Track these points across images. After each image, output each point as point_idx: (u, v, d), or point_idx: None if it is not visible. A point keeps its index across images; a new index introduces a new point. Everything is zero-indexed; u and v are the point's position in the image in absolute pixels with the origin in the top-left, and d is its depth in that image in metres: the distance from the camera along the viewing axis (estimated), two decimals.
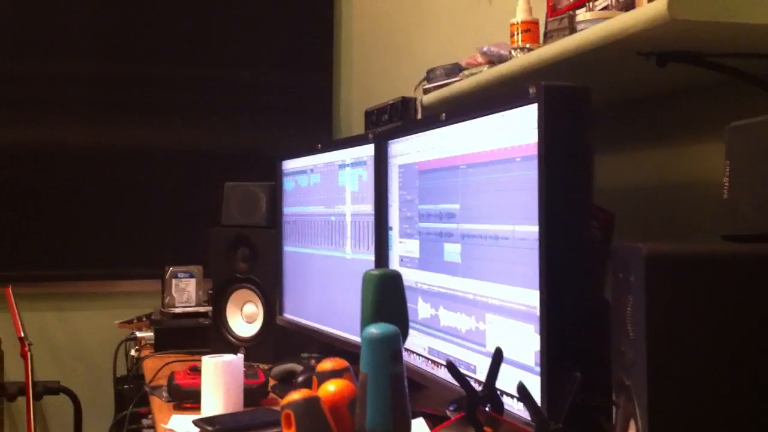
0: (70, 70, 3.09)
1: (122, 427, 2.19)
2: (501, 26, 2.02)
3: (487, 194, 1.18)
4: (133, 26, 3.16)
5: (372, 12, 3.13)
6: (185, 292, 2.80)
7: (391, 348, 1.00)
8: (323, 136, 3.27)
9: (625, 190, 1.61)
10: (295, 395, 1.15)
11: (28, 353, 2.80)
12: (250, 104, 3.28)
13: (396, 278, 1.10)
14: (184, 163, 3.20)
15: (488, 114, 1.19)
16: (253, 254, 2.25)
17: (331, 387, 1.11)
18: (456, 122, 1.29)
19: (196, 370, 1.75)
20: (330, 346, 1.88)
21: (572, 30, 1.26)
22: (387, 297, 1.06)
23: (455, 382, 1.03)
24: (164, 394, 1.82)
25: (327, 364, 1.18)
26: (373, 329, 1.01)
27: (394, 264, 1.54)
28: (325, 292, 1.91)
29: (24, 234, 3.03)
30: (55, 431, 3.10)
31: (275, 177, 2.22)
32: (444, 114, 1.33)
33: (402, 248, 1.51)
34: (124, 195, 3.14)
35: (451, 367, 1.00)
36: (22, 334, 2.79)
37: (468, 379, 1.04)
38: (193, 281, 2.80)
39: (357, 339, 1.74)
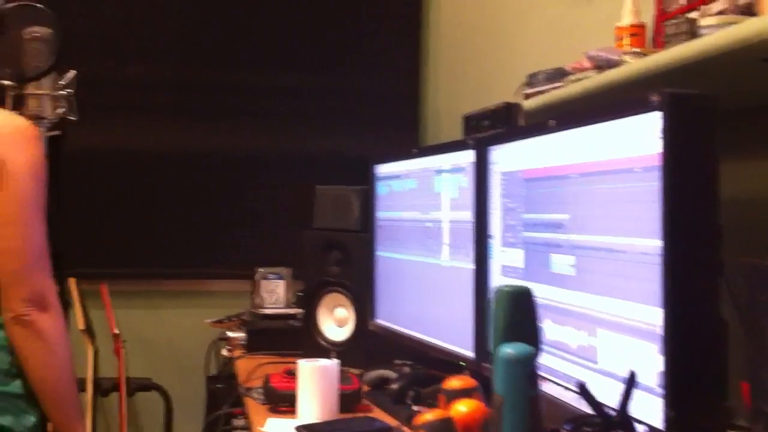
0: (166, 75, 3.15)
1: (216, 427, 2.21)
2: (601, 28, 1.96)
3: (601, 205, 1.14)
4: (228, 34, 3.20)
5: (461, 15, 3.10)
6: (274, 293, 2.82)
7: (528, 369, 0.96)
8: (411, 141, 3.26)
9: (732, 202, 1.54)
10: (429, 416, 1.13)
11: (122, 350, 2.87)
12: (338, 109, 3.28)
13: (529, 295, 1.05)
14: (276, 167, 3.22)
15: (603, 121, 1.14)
16: (344, 258, 2.25)
17: (462, 408, 1.09)
18: (566, 129, 1.26)
19: (292, 374, 1.75)
20: (423, 353, 1.86)
21: (692, 35, 1.21)
22: (520, 315, 1.01)
23: (560, 397, 0.99)
24: (259, 396, 1.83)
25: (455, 383, 1.16)
26: (509, 350, 0.96)
27: (496, 274, 1.51)
28: (419, 298, 1.89)
29: (119, 233, 3.10)
30: (146, 427, 3.16)
31: (368, 181, 2.21)
32: (553, 120, 1.30)
33: (504, 258, 1.47)
34: (217, 197, 3.18)
35: (584, 390, 0.95)
36: (117, 331, 2.86)
37: (595, 400, 0.99)
38: (282, 283, 2.82)
39: (452, 347, 1.71)
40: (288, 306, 2.77)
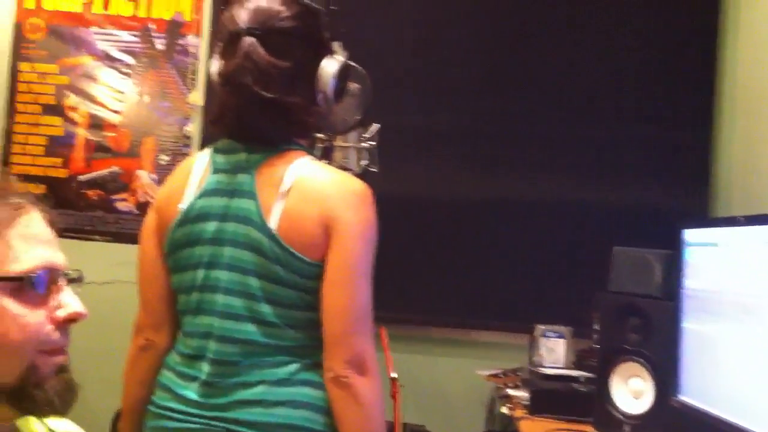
0: (464, 124, 3.19)
1: None
2: None
3: None
4: (527, 83, 3.19)
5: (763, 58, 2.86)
6: (554, 351, 2.73)
7: None
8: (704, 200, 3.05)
9: None
10: None
11: (398, 394, 2.90)
12: (637, 163, 3.13)
13: None
14: (565, 220, 3.14)
15: None
16: (644, 325, 2.12)
17: None
18: None
19: None
20: None
21: None
22: None
23: None
24: None
25: None
26: None
27: None
28: (744, 380, 1.72)
29: (401, 277, 3.16)
30: None
31: (674, 245, 2.07)
32: None
33: None
34: (498, 246, 3.16)
35: None
36: (395, 375, 2.89)
37: None
38: (562, 342, 2.73)
39: None
40: (568, 366, 2.68)
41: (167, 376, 1.66)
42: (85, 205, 3.29)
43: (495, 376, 2.85)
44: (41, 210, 1.04)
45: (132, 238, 3.21)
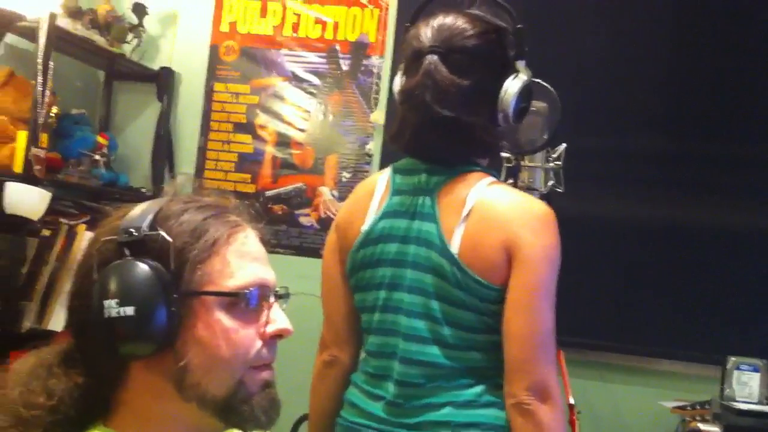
0: (646, 146, 3.10)
1: None
2: None
3: None
4: (712, 104, 3.05)
5: None
6: (747, 386, 2.58)
7: None
8: None
9: None
10: None
11: (576, 421, 2.82)
12: None
13: None
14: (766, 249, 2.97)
15: None
16: None
17: None
18: None
19: None
20: None
21: None
22: None
23: None
24: None
25: None
26: None
27: None
28: None
29: (581, 300, 3.07)
30: None
31: None
32: None
33: None
34: (688, 272, 3.01)
35: None
36: (572, 401, 2.82)
37: None
38: (756, 376, 2.57)
39: None
40: (762, 402, 2.52)
41: (354, 393, 1.69)
42: (271, 219, 3.42)
43: (681, 408, 2.72)
44: (255, 228, 1.07)
45: (313, 252, 3.32)
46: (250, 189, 3.45)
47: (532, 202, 1.63)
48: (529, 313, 1.52)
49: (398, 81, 1.70)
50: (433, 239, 1.57)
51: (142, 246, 0.97)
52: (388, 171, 1.71)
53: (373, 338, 1.67)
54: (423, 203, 1.61)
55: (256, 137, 3.48)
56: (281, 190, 3.45)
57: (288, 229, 3.42)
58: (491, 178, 1.63)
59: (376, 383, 1.65)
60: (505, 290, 1.54)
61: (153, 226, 0.99)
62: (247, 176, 3.48)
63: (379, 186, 1.69)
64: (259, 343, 1.02)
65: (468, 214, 1.56)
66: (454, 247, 1.55)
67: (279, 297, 1.07)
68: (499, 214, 1.55)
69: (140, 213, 1.00)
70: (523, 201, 1.60)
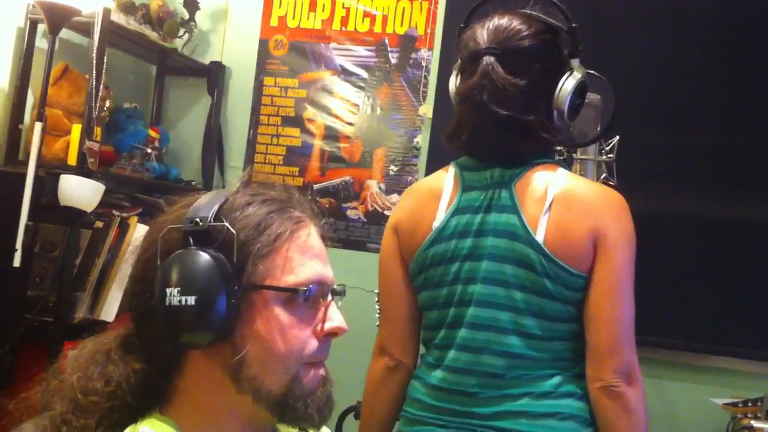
0: (699, 142, 3.06)
1: None
2: None
3: None
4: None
5: None
6: None
7: None
8: None
9: None
10: None
11: None
12: None
13: None
14: None
15: None
16: None
17: None
18: None
19: None
20: None
21: None
22: None
23: None
24: None
25: None
26: None
27: None
28: None
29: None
30: None
31: None
32: None
33: None
34: (742, 268, 2.97)
35: None
36: None
37: None
38: None
39: None
40: None
41: (417, 387, 1.69)
42: (319, 212, 3.44)
43: (733, 405, 2.68)
44: (316, 224, 1.08)
45: (360, 245, 3.33)
46: (298, 182, 3.48)
47: (610, 190, 1.67)
48: (617, 297, 1.55)
49: (453, 81, 1.72)
50: (516, 230, 1.58)
51: (206, 236, 0.98)
52: (452, 168, 1.72)
53: (445, 332, 1.65)
54: (499, 196, 1.62)
55: (305, 131, 3.50)
56: (329, 183, 3.47)
57: (335, 222, 3.43)
58: (564, 169, 1.65)
59: (449, 376, 1.63)
60: (589, 278, 1.56)
61: (218, 217, 1.00)
62: (296, 169, 3.50)
63: (447, 183, 1.70)
64: (314, 341, 1.02)
65: (551, 204, 1.57)
66: (540, 237, 1.56)
67: (336, 294, 1.07)
68: (585, 202, 1.58)
69: (206, 203, 1.01)
70: (604, 189, 1.66)
